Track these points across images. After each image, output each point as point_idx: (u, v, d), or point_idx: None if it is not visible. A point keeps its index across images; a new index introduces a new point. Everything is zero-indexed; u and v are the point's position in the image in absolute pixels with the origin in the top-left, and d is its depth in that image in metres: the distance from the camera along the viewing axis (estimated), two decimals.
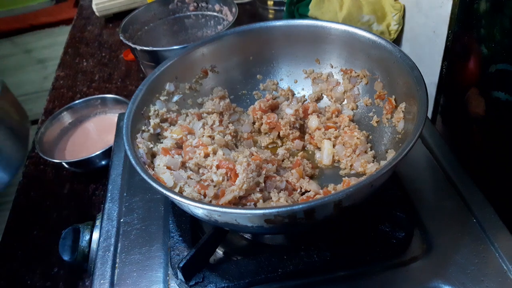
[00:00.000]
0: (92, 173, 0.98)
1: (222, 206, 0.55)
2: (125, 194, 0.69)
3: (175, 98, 0.71)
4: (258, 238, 0.60)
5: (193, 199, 0.51)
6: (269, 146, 0.72)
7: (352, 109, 0.72)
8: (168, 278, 0.56)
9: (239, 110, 0.75)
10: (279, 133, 0.72)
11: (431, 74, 0.83)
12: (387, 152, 0.62)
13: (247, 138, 0.72)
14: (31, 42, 3.03)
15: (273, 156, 0.66)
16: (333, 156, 0.67)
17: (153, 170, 0.60)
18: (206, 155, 0.65)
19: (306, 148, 0.71)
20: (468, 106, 0.73)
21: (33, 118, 1.46)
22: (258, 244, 0.60)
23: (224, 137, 0.68)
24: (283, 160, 0.67)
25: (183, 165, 0.64)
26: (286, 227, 0.48)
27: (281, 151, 0.68)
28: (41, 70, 2.82)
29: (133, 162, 0.53)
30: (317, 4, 0.98)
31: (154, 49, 0.94)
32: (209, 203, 0.57)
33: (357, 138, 0.66)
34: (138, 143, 0.60)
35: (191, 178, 0.61)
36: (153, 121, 0.65)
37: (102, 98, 1.09)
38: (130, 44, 0.98)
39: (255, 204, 0.57)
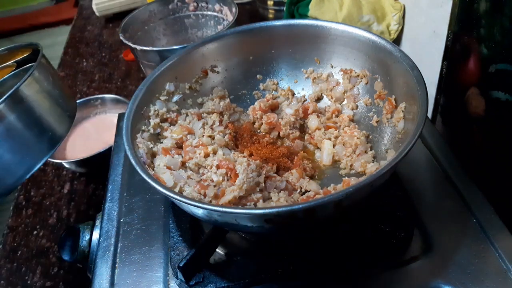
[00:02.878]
0: (92, 173, 0.98)
1: (222, 206, 0.55)
2: (125, 194, 0.69)
3: (175, 98, 0.71)
4: (258, 238, 0.60)
5: (193, 199, 0.51)
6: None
7: (352, 109, 0.72)
8: (168, 278, 0.56)
9: (239, 110, 0.75)
10: (279, 133, 0.72)
11: (431, 74, 0.83)
12: (387, 152, 0.62)
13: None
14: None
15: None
16: (333, 156, 0.67)
17: (153, 170, 0.60)
18: (206, 155, 0.65)
19: (306, 148, 0.71)
20: (468, 106, 0.73)
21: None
22: (258, 244, 0.60)
23: (224, 137, 0.68)
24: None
25: (183, 165, 0.64)
26: (286, 227, 0.48)
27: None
28: None
29: (133, 162, 0.53)
30: (317, 4, 0.98)
31: (154, 49, 0.94)
32: (209, 203, 0.57)
33: (357, 138, 0.66)
34: (138, 143, 0.60)
35: (191, 178, 0.61)
36: (153, 121, 0.65)
37: (102, 98, 1.09)
38: (130, 44, 0.98)
39: (255, 204, 0.57)
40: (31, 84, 0.64)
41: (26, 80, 0.62)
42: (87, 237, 0.64)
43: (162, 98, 0.68)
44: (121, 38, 1.00)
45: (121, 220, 0.64)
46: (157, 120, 0.66)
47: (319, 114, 0.73)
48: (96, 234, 0.64)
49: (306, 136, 0.72)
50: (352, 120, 0.71)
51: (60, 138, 0.70)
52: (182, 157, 0.64)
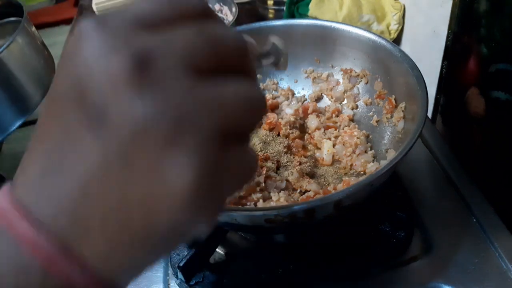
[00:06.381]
0: None
1: None
2: None
3: None
4: (258, 238, 0.60)
5: None
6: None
7: (352, 109, 0.72)
8: (168, 278, 0.56)
9: None
10: (279, 133, 0.72)
11: (431, 74, 0.83)
12: (387, 151, 0.62)
13: None
14: None
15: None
16: (333, 156, 0.67)
17: None
18: None
19: (306, 148, 0.71)
20: (468, 106, 0.73)
21: (33, 118, 1.46)
22: (258, 244, 0.60)
23: None
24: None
25: None
26: (286, 227, 0.48)
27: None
28: None
29: None
30: (317, 3, 0.98)
31: None
32: None
33: (357, 137, 0.66)
34: None
35: None
36: None
37: None
38: None
39: (255, 204, 0.57)
40: (14, 49, 0.64)
41: (10, 45, 0.61)
42: None
43: None
44: None
45: None
46: None
47: (319, 114, 0.73)
48: None
49: (306, 136, 0.72)
50: (352, 120, 0.71)
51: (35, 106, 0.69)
52: None
